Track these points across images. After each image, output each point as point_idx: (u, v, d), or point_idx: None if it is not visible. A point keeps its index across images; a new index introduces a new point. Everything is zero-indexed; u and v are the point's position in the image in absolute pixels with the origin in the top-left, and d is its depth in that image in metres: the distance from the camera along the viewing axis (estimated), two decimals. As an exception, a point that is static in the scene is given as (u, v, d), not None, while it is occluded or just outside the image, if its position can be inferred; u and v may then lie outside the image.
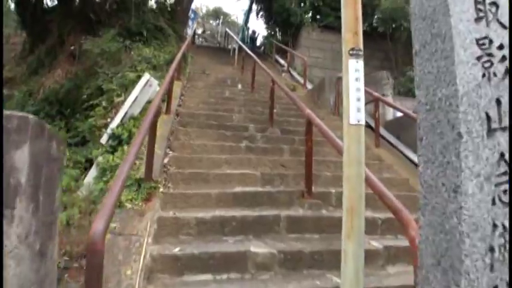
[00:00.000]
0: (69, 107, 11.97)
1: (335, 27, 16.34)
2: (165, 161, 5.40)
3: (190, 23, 23.64)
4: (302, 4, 16.89)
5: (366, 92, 7.61)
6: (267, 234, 4.08)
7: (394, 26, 14.33)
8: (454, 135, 1.19)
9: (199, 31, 38.53)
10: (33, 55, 15.95)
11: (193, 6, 31.90)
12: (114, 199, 2.44)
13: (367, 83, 7.71)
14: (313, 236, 4.21)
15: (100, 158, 5.88)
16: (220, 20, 40.27)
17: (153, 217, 4.01)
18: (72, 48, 14.23)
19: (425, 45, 1.37)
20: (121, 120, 6.70)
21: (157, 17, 16.03)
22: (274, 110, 7.91)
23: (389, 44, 15.43)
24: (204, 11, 47.22)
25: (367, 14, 15.98)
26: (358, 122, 2.13)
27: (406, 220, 2.65)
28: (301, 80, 13.01)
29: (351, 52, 2.04)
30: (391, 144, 7.79)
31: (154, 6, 17.97)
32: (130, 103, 6.89)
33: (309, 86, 12.18)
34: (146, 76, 7.26)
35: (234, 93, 9.92)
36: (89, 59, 12.78)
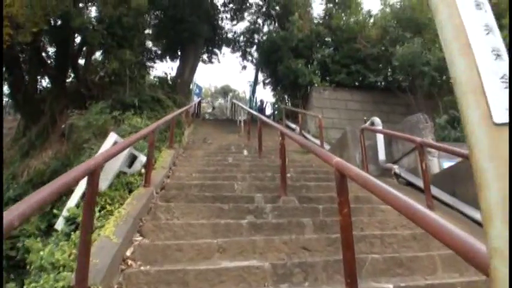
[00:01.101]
0: (56, 189, 10.51)
1: (347, 85, 15.09)
2: (127, 253, 3.58)
3: (195, 97, 22.80)
4: (309, 65, 15.71)
5: (402, 138, 5.75)
6: None
7: (413, 73, 12.86)
8: None
9: (210, 110, 38.25)
10: (26, 137, 14.92)
11: (202, 85, 31.74)
12: None
13: (401, 130, 5.81)
14: None
15: (42, 253, 4.09)
16: (229, 97, 40.14)
17: None
18: (63, 126, 13.12)
19: None
20: (81, 198, 5.00)
21: (156, 89, 14.99)
22: (288, 175, 6.15)
23: (410, 96, 13.91)
24: (213, 89, 47.69)
25: (381, 66, 14.69)
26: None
27: None
28: (317, 142, 11.34)
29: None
30: (447, 204, 5.87)
31: (154, 79, 17.13)
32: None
33: (327, 146, 10.48)
34: (112, 136, 5.67)
35: (238, 160, 8.22)
36: (77, 135, 11.60)
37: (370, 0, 46.28)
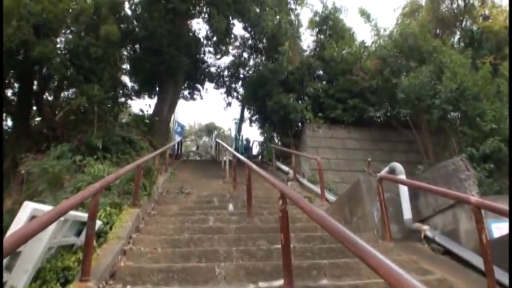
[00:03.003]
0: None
1: (343, 121, 13.59)
2: None
3: (176, 136, 21.07)
4: (300, 100, 14.19)
5: (445, 195, 3.99)
6: None
7: (419, 107, 11.39)
8: None
9: (194, 148, 36.58)
10: (-15, 184, 12.89)
11: (185, 123, 29.97)
12: None
13: (432, 181, 3.89)
14: None
15: None
16: (214, 135, 38.57)
17: None
18: (22, 172, 11.27)
19: None
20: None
21: (130, 129, 13.24)
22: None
23: (414, 132, 12.38)
24: (197, 127, 46.15)
25: (381, 100, 13.22)
26: None
27: None
28: (316, 189, 9.62)
29: None
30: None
31: (127, 116, 15.43)
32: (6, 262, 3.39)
33: (329, 196, 8.76)
34: (27, 207, 3.77)
35: (222, 220, 6.37)
36: (32, 184, 9.88)
37: (363, 31, 45.81)
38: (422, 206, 6.10)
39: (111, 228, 5.20)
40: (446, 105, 10.61)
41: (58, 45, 12.24)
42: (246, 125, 22.64)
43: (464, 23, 17.17)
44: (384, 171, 6.76)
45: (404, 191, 6.08)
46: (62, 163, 8.90)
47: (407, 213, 5.99)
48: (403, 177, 6.22)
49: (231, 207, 7.44)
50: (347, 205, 6.71)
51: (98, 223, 5.26)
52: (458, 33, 17.01)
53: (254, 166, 6.20)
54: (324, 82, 14.62)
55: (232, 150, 11.07)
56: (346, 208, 6.72)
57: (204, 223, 6.17)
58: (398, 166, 6.37)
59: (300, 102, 14.01)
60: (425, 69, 11.32)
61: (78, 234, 5.24)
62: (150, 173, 7.99)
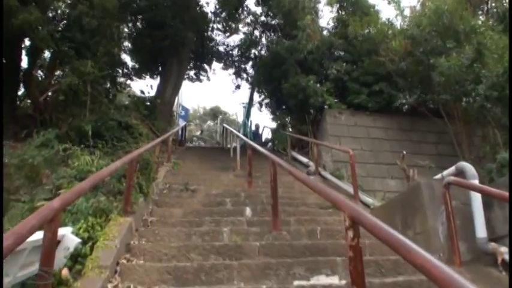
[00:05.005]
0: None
1: (368, 108, 12.05)
2: None
3: (180, 121, 19.59)
4: (318, 83, 12.63)
5: None
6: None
7: (457, 92, 9.87)
8: None
9: (198, 133, 35.24)
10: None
11: (189, 106, 28.41)
12: None
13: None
14: None
15: None
16: (219, 119, 37.09)
17: None
18: (6, 161, 9.86)
19: None
20: None
21: (128, 112, 11.78)
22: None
23: (446, 121, 10.87)
24: (201, 111, 44.62)
25: (413, 84, 11.67)
26: None
27: None
28: (344, 187, 8.20)
29: None
30: None
31: (127, 99, 13.95)
32: None
33: (364, 197, 7.33)
34: None
35: (239, 233, 4.89)
36: (10, 178, 8.41)
37: (384, 13, 43.14)
38: (498, 221, 4.68)
39: (91, 250, 3.79)
40: (491, 92, 9.07)
41: (47, 14, 10.73)
42: (254, 110, 21.11)
43: (489, 3, 15.53)
44: (446, 172, 5.32)
45: (477, 201, 4.64)
46: (43, 153, 7.48)
47: (480, 231, 4.58)
48: (476, 182, 4.77)
49: (248, 211, 6.00)
50: (399, 214, 5.26)
51: (76, 241, 3.88)
52: (483, 14, 15.37)
53: (285, 164, 4.75)
54: (346, 64, 13.04)
55: (249, 140, 9.60)
56: (397, 218, 5.27)
57: (216, 238, 4.73)
58: (469, 167, 4.91)
59: (319, 85, 12.48)
60: (468, 49, 9.75)
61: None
62: (148, 168, 6.55)
